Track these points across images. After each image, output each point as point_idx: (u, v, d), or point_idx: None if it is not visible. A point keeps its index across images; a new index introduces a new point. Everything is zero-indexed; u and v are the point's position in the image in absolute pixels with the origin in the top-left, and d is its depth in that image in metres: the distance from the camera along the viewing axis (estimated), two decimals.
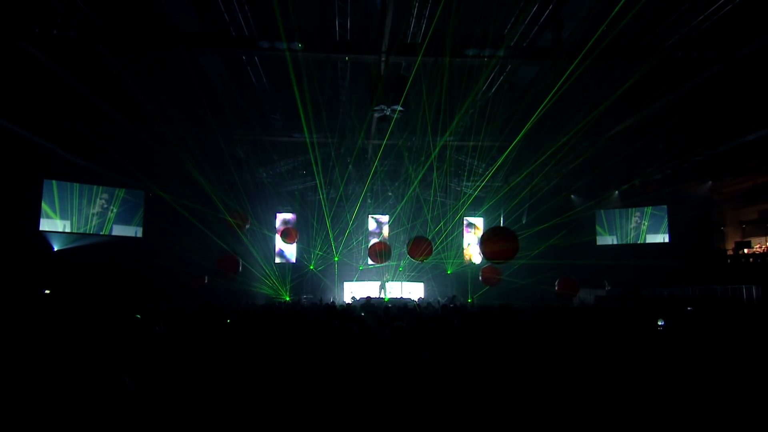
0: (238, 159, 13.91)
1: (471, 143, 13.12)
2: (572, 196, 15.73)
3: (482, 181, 13.67)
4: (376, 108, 8.24)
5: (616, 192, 15.21)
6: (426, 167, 13.40)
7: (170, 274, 12.58)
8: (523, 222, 14.59)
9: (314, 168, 13.88)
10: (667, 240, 15.50)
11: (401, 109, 8.24)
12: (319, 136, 13.00)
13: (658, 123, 11.86)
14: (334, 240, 15.60)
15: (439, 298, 14.33)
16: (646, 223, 15.84)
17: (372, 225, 17.44)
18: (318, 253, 15.91)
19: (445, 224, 15.19)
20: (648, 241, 15.77)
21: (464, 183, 14.78)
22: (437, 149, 12.48)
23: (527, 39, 9.48)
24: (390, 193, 15.74)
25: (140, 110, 11.09)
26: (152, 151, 12.42)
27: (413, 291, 16.56)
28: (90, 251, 12.86)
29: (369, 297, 9.80)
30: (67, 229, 12.81)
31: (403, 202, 15.32)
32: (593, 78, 10.45)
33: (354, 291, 15.95)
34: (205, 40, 8.89)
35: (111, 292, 11.23)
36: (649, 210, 15.69)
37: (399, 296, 15.49)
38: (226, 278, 11.11)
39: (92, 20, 7.95)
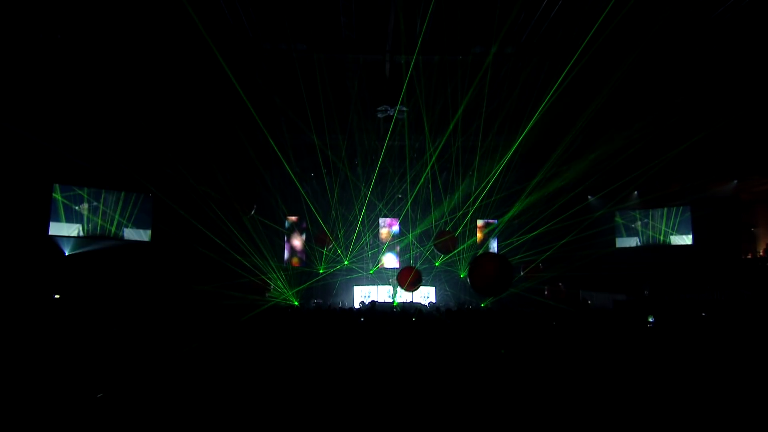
0: (246, 161, 14.09)
1: (482, 143, 13.07)
2: (588, 196, 15.50)
3: (490, 181, 13.57)
4: (379, 108, 8.28)
5: (635, 192, 14.94)
6: (433, 168, 13.39)
7: (178, 278, 12.88)
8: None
9: (323, 170, 14.01)
10: (690, 242, 15.15)
11: (405, 109, 8.27)
12: (328, 137, 13.13)
13: (680, 119, 11.62)
14: (343, 243, 15.69)
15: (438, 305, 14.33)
16: (668, 225, 15.52)
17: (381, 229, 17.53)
18: (328, 254, 15.99)
19: (453, 227, 15.13)
20: (671, 243, 15.43)
21: (474, 184, 14.70)
22: (439, 148, 12.45)
23: (537, 35, 9.42)
24: (399, 195, 15.77)
25: (148, 112, 11.37)
26: (160, 154, 12.67)
27: (425, 295, 16.51)
28: (100, 256, 13.17)
29: (374, 301, 9.83)
30: (77, 234, 13.16)
31: (407, 205, 15.33)
32: (608, 73, 10.32)
33: (363, 295, 15.99)
34: (209, 43, 9.05)
35: (122, 296, 11.51)
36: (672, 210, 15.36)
37: (409, 300, 15.49)
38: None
39: (93, 24, 8.19)
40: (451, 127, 10.88)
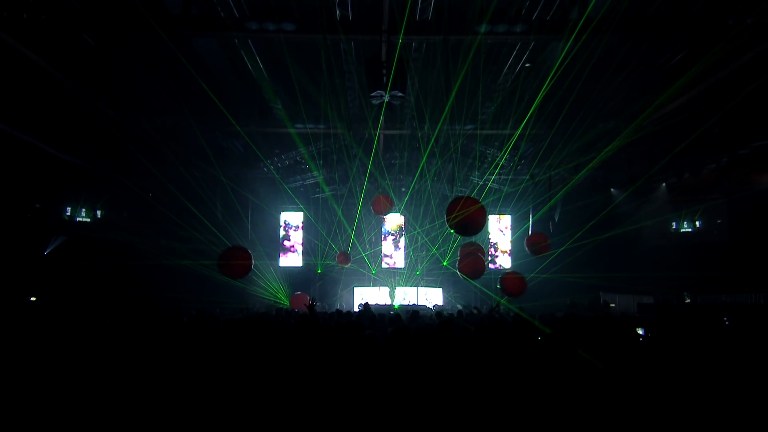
0: (236, 153, 14.13)
1: (493, 132, 12.91)
2: (612, 189, 15.23)
3: (500, 174, 13.44)
4: (373, 94, 8.19)
5: (663, 184, 14.61)
6: (436, 158, 13.29)
7: (154, 278, 13.12)
8: (555, 220, 14.25)
9: (318, 162, 13.97)
10: (726, 239, 14.81)
11: (400, 94, 8.16)
12: (324, 126, 13.08)
13: (712, 103, 11.31)
14: (342, 240, 15.70)
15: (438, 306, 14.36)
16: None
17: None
18: (326, 253, 16.02)
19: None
20: (702, 239, 15.12)
21: (486, 176, 14.55)
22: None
23: (550, 12, 9.20)
24: (403, 189, 15.67)
25: (128, 101, 11.45)
26: (142, 146, 12.75)
27: (431, 297, 16.46)
28: (78, 254, 13.34)
29: (367, 303, 9.79)
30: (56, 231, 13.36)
31: (407, 197, 15.25)
32: (633, 54, 10.08)
33: (362, 297, 15.97)
34: (187, 23, 9.03)
35: (100, 296, 11.69)
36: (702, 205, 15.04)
37: (412, 302, 15.43)
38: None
39: (67, 2, 8.21)
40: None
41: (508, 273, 10.89)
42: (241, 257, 7.18)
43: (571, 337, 3.39)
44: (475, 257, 8.90)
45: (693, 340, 4.71)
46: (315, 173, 15.21)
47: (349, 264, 14.48)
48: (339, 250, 14.85)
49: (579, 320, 4.06)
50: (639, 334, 5.02)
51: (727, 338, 5.13)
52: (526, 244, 10.40)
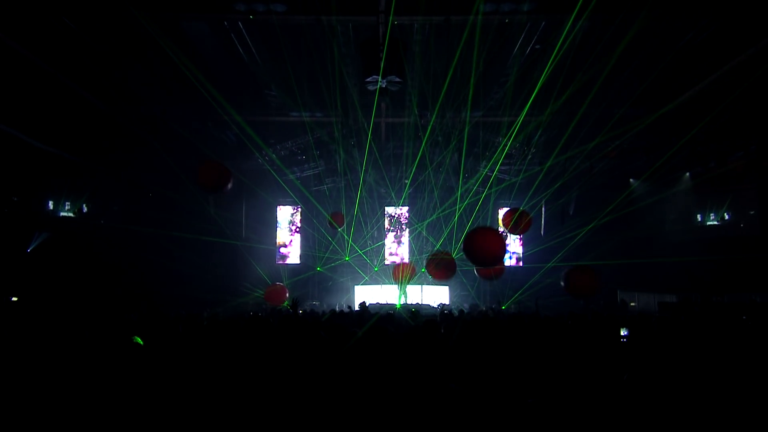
0: (229, 143, 14.08)
1: (502, 119, 12.74)
2: (631, 179, 14.98)
3: (509, 163, 13.27)
4: (368, 80, 8.07)
5: (687, 174, 14.34)
6: (449, 148, 13.14)
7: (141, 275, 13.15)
8: (570, 212, 14.06)
9: (314, 153, 13.87)
10: (756, 232, 14.53)
11: (398, 80, 8.03)
12: (321, 114, 12.99)
13: (738, 86, 11.06)
14: (341, 237, 15.65)
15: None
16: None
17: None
18: (327, 253, 16.00)
19: (476, 216, 14.90)
20: (730, 233, 14.85)
21: (491, 165, 14.39)
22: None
23: None
24: (406, 181, 15.55)
25: (113, 88, 11.41)
26: (127, 136, 12.74)
27: (436, 296, 16.39)
28: (63, 248, 13.37)
29: (364, 302, 9.72)
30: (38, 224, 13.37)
31: (407, 189, 15.15)
32: (653, 33, 9.85)
33: (366, 295, 15.94)
34: (171, 3, 8.94)
35: (89, 296, 11.73)
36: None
37: (417, 302, 15.34)
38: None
39: None
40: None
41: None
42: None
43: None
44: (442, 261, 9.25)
45: (692, 340, 4.61)
46: (312, 165, 15.14)
47: (344, 225, 14.51)
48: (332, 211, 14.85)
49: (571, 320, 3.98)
50: (621, 335, 4.94)
51: (736, 339, 5.02)
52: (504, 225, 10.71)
